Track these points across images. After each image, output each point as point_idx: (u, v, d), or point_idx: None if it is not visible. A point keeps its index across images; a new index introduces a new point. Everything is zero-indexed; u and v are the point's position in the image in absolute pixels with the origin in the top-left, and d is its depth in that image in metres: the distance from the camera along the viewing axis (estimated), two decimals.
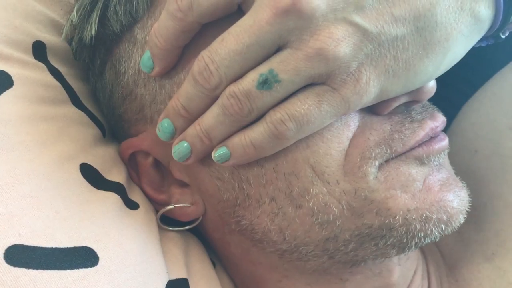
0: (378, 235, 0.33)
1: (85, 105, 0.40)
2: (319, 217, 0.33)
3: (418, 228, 0.32)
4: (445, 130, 0.36)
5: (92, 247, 0.31)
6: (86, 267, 0.30)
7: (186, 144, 0.33)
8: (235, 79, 0.30)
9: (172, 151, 0.33)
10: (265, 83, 0.29)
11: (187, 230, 0.41)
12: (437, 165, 0.34)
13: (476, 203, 0.41)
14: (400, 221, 0.32)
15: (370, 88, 0.29)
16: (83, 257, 0.30)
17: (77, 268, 0.30)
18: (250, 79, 0.29)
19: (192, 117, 0.32)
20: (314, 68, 0.28)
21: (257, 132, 0.30)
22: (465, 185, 0.35)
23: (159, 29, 0.31)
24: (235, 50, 0.29)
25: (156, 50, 0.32)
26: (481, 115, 0.44)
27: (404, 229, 0.32)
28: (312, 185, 0.32)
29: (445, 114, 0.36)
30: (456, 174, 0.36)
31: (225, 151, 0.32)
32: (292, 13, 0.27)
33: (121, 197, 0.36)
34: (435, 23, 0.29)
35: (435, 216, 0.32)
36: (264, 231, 0.35)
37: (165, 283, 0.35)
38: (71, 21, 0.37)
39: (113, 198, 0.35)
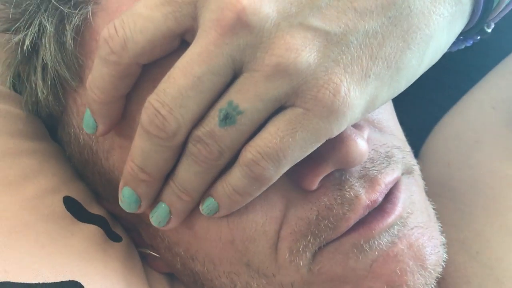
0: None
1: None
2: None
3: None
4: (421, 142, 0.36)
5: (79, 281, 0.31)
6: None
7: (164, 205, 0.29)
8: (195, 120, 0.26)
9: (150, 217, 0.30)
10: (226, 118, 0.25)
11: None
12: (386, 244, 0.30)
13: (454, 209, 0.43)
14: None
15: (353, 100, 0.25)
16: None
17: None
18: (211, 118, 0.26)
19: (153, 179, 0.28)
20: (277, 88, 0.25)
21: (236, 178, 0.27)
22: (440, 230, 0.33)
23: (94, 80, 0.27)
24: (186, 85, 0.25)
25: (94, 105, 0.28)
26: (451, 130, 0.46)
27: None
28: (252, 279, 0.32)
29: (434, 118, 0.36)
30: (432, 187, 0.35)
31: (212, 202, 0.29)
32: (239, 29, 0.24)
33: (103, 229, 0.36)
34: (408, 9, 0.26)
35: None
36: None
37: None
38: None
39: (96, 231, 0.35)
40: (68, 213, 0.35)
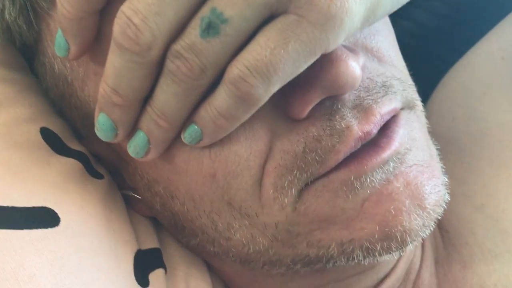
0: (321, 261, 0.29)
1: None
2: (251, 247, 0.30)
3: (361, 256, 0.28)
4: (426, 99, 0.34)
5: (52, 208, 0.29)
6: (45, 227, 0.27)
7: (141, 134, 0.26)
8: (173, 33, 0.23)
9: (127, 148, 0.28)
10: (209, 28, 0.23)
11: None
12: (379, 182, 0.27)
13: (459, 162, 0.40)
14: (336, 252, 0.28)
15: (351, 5, 0.22)
16: (42, 217, 0.28)
17: (36, 228, 0.27)
18: (191, 29, 0.23)
19: (128, 102, 0.25)
20: None
21: (220, 99, 0.24)
22: (443, 172, 0.30)
23: None
24: None
25: (65, 22, 0.25)
26: (457, 83, 0.44)
27: (345, 257, 0.28)
28: (234, 219, 0.29)
29: (439, 73, 0.34)
30: (437, 141, 0.33)
31: (195, 129, 0.26)
32: None
33: (84, 165, 0.34)
34: None
35: (380, 245, 0.27)
36: (212, 252, 0.33)
37: (134, 251, 0.32)
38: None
39: (75, 164, 0.33)
40: (45, 144, 0.32)
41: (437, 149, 0.32)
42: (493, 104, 0.41)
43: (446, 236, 0.39)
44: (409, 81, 0.33)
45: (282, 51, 0.23)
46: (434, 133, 0.35)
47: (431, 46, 0.49)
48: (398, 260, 0.36)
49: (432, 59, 0.49)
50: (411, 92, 0.31)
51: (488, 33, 0.45)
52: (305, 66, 0.24)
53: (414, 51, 0.37)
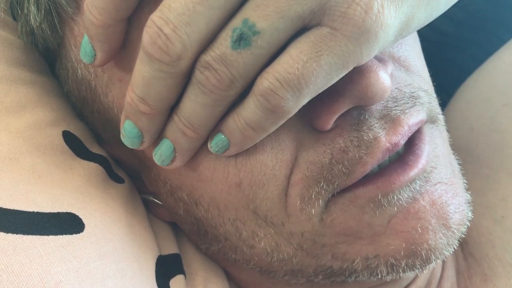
0: (344, 274, 0.29)
1: None
2: (274, 255, 0.30)
3: (385, 272, 0.28)
4: (444, 105, 0.33)
5: (77, 214, 0.28)
6: (70, 233, 0.27)
7: (167, 142, 0.26)
8: (203, 43, 0.23)
9: (153, 155, 0.28)
10: (241, 40, 0.22)
11: None
12: (407, 200, 0.27)
13: (478, 174, 0.40)
14: (361, 266, 0.28)
15: (386, 19, 0.22)
16: (67, 223, 0.28)
17: (61, 234, 0.27)
18: (222, 39, 0.22)
19: (156, 111, 0.25)
20: (301, 3, 0.22)
21: (249, 110, 0.24)
22: (465, 188, 0.30)
23: (93, 0, 0.24)
24: None
25: (92, 29, 0.25)
26: (476, 93, 0.43)
27: (368, 272, 0.28)
28: (259, 228, 0.29)
29: (456, 81, 0.33)
30: (454, 151, 0.33)
31: (222, 138, 0.26)
32: None
33: (105, 169, 0.33)
34: None
35: (405, 262, 0.27)
36: (232, 259, 0.33)
37: (156, 257, 0.32)
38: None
39: (97, 169, 0.33)
40: (67, 148, 0.32)
41: (458, 163, 0.32)
42: None
43: (466, 247, 0.38)
44: (433, 93, 0.33)
45: (314, 64, 0.22)
46: (452, 143, 0.35)
47: (448, 52, 0.49)
48: None
49: (449, 67, 0.49)
50: (435, 106, 0.31)
51: (508, 43, 0.44)
52: (336, 79, 0.24)
53: (430, 57, 0.36)
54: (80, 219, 0.28)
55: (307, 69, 0.22)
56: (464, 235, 0.30)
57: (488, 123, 0.42)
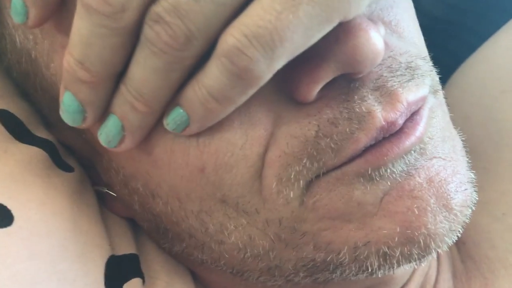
0: (328, 269, 0.25)
1: None
2: (248, 251, 0.26)
3: (376, 264, 0.24)
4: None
5: (5, 204, 0.24)
6: None
7: (114, 118, 0.22)
8: None
9: (98, 135, 0.23)
10: None
11: None
12: (400, 175, 0.23)
13: (475, 167, 0.37)
14: (348, 258, 0.24)
15: None
16: None
17: None
18: None
19: (98, 78, 0.21)
20: None
21: (212, 77, 0.20)
22: (469, 166, 0.26)
23: None
24: None
25: None
26: (472, 81, 0.40)
27: (356, 265, 0.24)
28: (229, 219, 0.25)
29: (448, 68, 0.30)
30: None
31: (181, 113, 0.21)
32: None
33: (49, 155, 0.29)
34: None
35: (399, 250, 0.23)
36: (199, 259, 0.28)
37: (106, 257, 0.28)
38: None
39: (39, 154, 0.28)
40: (3, 128, 0.27)
41: (462, 140, 0.28)
42: None
43: (463, 248, 0.34)
44: (430, 62, 0.28)
45: (291, 16, 0.18)
46: None
47: (439, 37, 0.46)
48: (412, 273, 0.31)
49: (440, 52, 0.45)
50: (435, 74, 0.27)
51: (504, 26, 0.41)
52: (318, 37, 0.19)
53: None
54: (9, 211, 0.24)
55: (282, 22, 0.18)
56: (461, 234, 0.26)
57: (485, 112, 0.38)
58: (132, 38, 0.20)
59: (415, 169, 0.23)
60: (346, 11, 0.19)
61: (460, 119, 0.40)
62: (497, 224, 0.34)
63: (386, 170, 0.23)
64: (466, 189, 0.25)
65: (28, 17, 0.22)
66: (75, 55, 0.20)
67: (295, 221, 0.24)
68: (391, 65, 0.24)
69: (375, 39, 0.21)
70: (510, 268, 0.32)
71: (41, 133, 0.30)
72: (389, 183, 0.23)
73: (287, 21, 0.18)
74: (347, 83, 0.23)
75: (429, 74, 0.25)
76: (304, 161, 0.23)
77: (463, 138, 0.29)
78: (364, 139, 0.22)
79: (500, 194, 0.35)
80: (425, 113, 0.24)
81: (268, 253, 0.25)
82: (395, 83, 0.23)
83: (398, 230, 0.23)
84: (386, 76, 0.23)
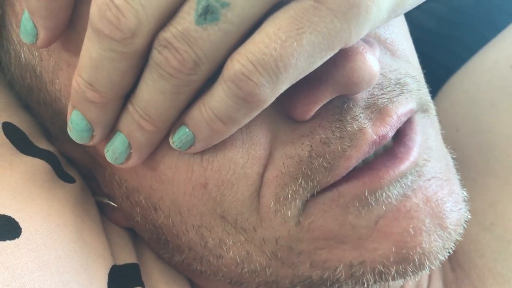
0: (325, 285, 0.26)
1: None
2: (245, 266, 0.26)
3: (371, 280, 0.25)
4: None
5: (12, 216, 0.24)
6: (3, 239, 0.23)
7: (121, 136, 0.23)
8: (162, 17, 0.19)
9: (105, 152, 0.24)
10: (207, 13, 0.19)
11: None
12: (396, 198, 0.24)
13: (464, 178, 0.38)
14: (344, 275, 0.25)
15: None
16: (0, 228, 0.24)
17: None
18: (185, 13, 0.19)
19: (106, 99, 0.21)
20: None
21: (218, 99, 0.20)
22: (461, 184, 0.27)
23: None
24: None
25: (34, 2, 0.21)
26: (461, 93, 0.41)
27: (352, 282, 0.25)
28: (227, 235, 0.25)
29: (439, 80, 0.31)
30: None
31: (186, 132, 0.22)
32: None
33: (52, 166, 0.29)
34: None
35: (395, 268, 0.24)
36: (198, 270, 0.29)
37: (109, 267, 0.28)
38: None
39: (42, 166, 0.28)
40: (7, 141, 0.28)
41: (452, 158, 0.29)
42: (500, 116, 0.38)
43: (453, 257, 0.35)
44: (423, 80, 0.29)
45: (295, 43, 0.19)
46: None
47: (430, 50, 0.47)
48: (404, 282, 0.32)
49: (430, 65, 0.46)
50: (425, 93, 0.28)
51: (493, 40, 0.42)
52: (320, 63, 0.20)
53: None
54: (17, 223, 0.24)
55: (286, 50, 0.19)
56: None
57: (474, 123, 0.39)
58: (141, 62, 0.21)
59: (412, 190, 0.24)
60: (347, 39, 0.20)
61: (450, 130, 0.41)
62: (485, 233, 0.35)
63: (382, 194, 0.24)
64: (460, 209, 0.26)
65: (38, 38, 0.22)
66: (84, 77, 0.21)
67: (291, 241, 0.25)
68: (382, 82, 0.25)
69: (371, 61, 0.22)
70: (499, 276, 0.33)
71: (43, 144, 0.30)
72: (384, 207, 0.24)
73: (291, 49, 0.19)
74: (341, 103, 0.24)
75: (416, 92, 0.26)
76: (299, 181, 0.24)
77: (454, 156, 0.30)
78: (355, 155, 0.23)
79: (488, 204, 0.36)
80: (417, 137, 0.25)
81: (265, 269, 0.26)
82: (385, 100, 0.24)
83: (393, 250, 0.24)
84: (376, 95, 0.24)
